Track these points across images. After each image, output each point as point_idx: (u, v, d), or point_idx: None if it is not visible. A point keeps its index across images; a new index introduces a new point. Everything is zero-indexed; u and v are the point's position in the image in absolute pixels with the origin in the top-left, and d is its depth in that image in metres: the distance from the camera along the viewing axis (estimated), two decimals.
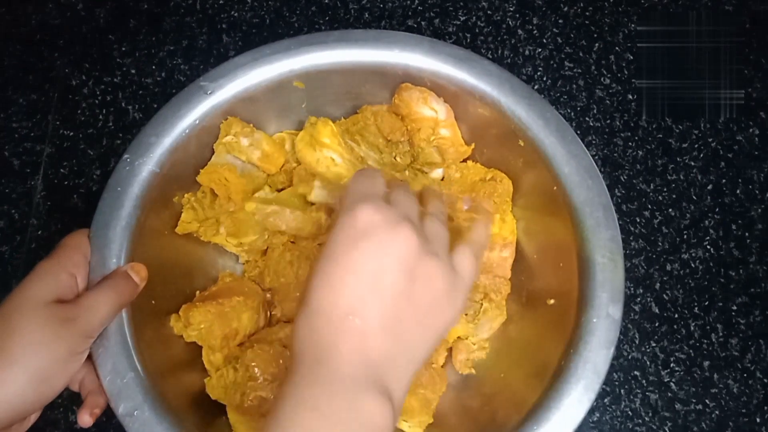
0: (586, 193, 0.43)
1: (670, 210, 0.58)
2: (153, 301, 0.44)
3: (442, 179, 0.52)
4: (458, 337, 0.49)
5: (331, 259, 0.32)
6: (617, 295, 0.40)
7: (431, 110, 0.48)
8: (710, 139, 0.60)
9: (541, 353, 0.44)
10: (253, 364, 0.44)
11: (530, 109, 0.45)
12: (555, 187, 0.44)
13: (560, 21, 0.65)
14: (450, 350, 0.50)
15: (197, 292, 0.48)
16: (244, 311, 0.46)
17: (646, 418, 0.52)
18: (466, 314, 0.49)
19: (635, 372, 0.53)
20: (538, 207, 0.48)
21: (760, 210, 0.58)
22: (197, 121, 0.45)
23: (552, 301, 0.45)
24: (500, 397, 0.45)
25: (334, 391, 0.29)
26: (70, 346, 0.36)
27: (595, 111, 0.61)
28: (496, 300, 0.49)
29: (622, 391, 0.52)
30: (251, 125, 0.49)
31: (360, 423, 0.29)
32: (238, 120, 0.48)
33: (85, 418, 0.38)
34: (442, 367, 0.49)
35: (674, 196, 0.58)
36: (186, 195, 0.47)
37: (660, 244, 0.56)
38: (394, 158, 0.52)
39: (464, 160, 0.51)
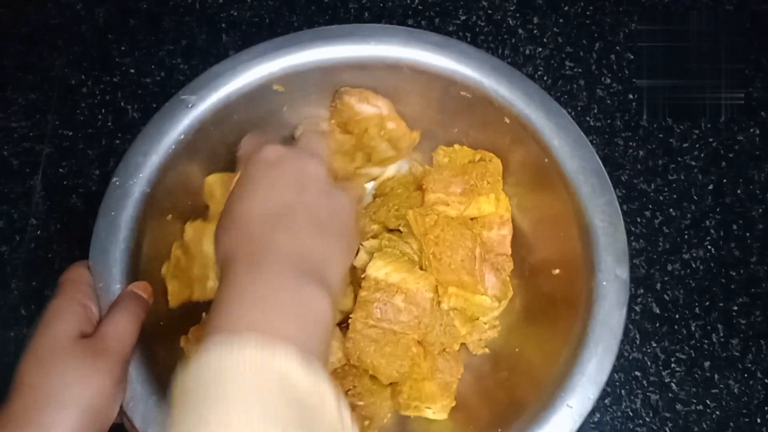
0: (578, 162, 0.43)
1: (671, 210, 0.58)
2: (161, 323, 0.43)
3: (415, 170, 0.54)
4: (469, 318, 0.50)
5: (250, 181, 0.35)
6: (622, 257, 0.41)
7: (374, 107, 0.49)
8: (711, 139, 0.60)
9: (553, 323, 0.45)
10: None
11: (512, 86, 0.46)
12: (546, 160, 0.44)
13: (561, 20, 0.65)
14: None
15: (203, 314, 0.48)
16: None
17: (647, 419, 0.51)
18: (496, 295, 0.49)
19: (636, 372, 0.53)
20: (530, 182, 0.49)
21: (760, 210, 0.57)
22: (182, 136, 0.45)
23: (557, 271, 0.46)
24: (518, 372, 0.46)
25: (276, 283, 0.31)
26: (113, 376, 0.36)
27: (595, 111, 0.61)
28: (501, 277, 0.49)
29: (622, 391, 0.52)
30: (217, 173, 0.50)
31: (305, 310, 0.31)
32: (209, 181, 0.49)
33: None
34: (457, 351, 0.49)
35: (675, 196, 0.58)
36: (164, 266, 0.46)
37: (661, 244, 0.56)
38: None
39: (451, 144, 0.52)
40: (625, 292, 0.40)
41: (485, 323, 0.49)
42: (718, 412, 0.52)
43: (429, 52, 0.47)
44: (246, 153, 0.39)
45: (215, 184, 0.49)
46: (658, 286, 0.55)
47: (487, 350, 0.49)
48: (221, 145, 0.49)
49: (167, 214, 0.46)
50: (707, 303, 0.55)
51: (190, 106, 0.45)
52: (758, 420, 0.51)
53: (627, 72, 0.62)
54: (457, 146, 0.51)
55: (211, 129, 0.46)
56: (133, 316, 0.39)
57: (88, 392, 0.35)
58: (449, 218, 0.49)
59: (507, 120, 0.46)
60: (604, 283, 0.40)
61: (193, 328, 0.46)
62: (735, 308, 0.54)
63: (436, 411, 0.46)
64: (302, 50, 0.47)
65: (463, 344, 0.50)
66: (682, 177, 0.59)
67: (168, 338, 0.45)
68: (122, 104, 0.61)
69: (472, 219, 0.50)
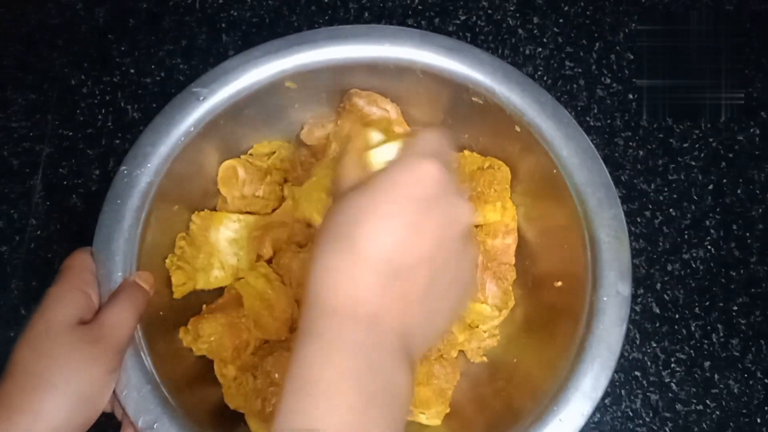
0: (586, 174, 0.43)
1: (671, 210, 0.57)
2: (161, 312, 0.43)
3: None
4: (468, 326, 0.50)
5: (393, 205, 0.28)
6: (625, 273, 0.41)
7: (382, 110, 0.49)
8: (711, 139, 0.60)
9: (552, 336, 0.45)
10: (273, 370, 0.44)
11: (524, 94, 0.45)
12: (555, 171, 0.44)
13: (561, 20, 0.64)
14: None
15: (204, 306, 0.48)
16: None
17: (647, 419, 0.51)
18: (496, 304, 0.49)
19: (636, 372, 0.53)
20: (538, 191, 0.49)
21: (760, 210, 0.57)
22: (192, 128, 0.45)
23: (559, 284, 0.46)
24: (515, 383, 0.46)
25: (377, 362, 0.27)
26: (107, 364, 0.36)
27: (595, 111, 0.61)
28: (503, 286, 0.49)
29: (622, 391, 0.52)
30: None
31: (393, 399, 0.27)
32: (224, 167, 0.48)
33: None
34: (455, 358, 0.49)
35: (675, 196, 0.58)
36: (168, 258, 0.46)
37: (661, 244, 0.56)
38: None
39: (460, 150, 0.52)
40: (626, 308, 0.40)
41: (485, 332, 0.49)
42: (718, 412, 0.52)
43: (443, 56, 0.46)
44: (409, 154, 0.31)
45: (229, 169, 0.50)
46: (658, 286, 0.55)
47: (485, 359, 0.49)
48: (231, 138, 0.49)
49: (174, 205, 0.47)
50: (707, 303, 0.55)
51: (201, 99, 0.45)
52: (758, 420, 0.51)
53: (627, 72, 0.62)
54: (466, 152, 0.51)
55: (221, 122, 0.47)
56: (133, 306, 0.39)
57: (82, 379, 0.35)
58: None
59: (517, 128, 0.46)
60: (605, 298, 0.40)
61: (193, 319, 0.46)
62: (735, 308, 0.54)
63: (430, 417, 0.46)
64: (316, 48, 0.47)
65: (461, 351, 0.50)
66: (682, 177, 0.59)
67: (166, 328, 0.45)
68: (122, 104, 0.61)
69: (477, 226, 0.50)
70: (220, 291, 0.50)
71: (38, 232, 0.57)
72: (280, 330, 0.47)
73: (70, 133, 0.60)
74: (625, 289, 0.40)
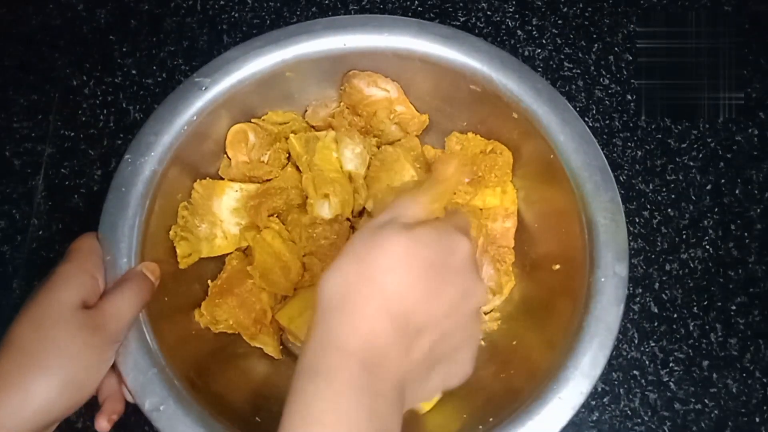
0: (583, 159, 0.44)
1: (669, 210, 0.58)
2: (166, 298, 0.44)
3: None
4: None
5: (424, 264, 0.30)
6: (622, 254, 0.41)
7: (383, 90, 0.50)
8: (709, 140, 0.60)
9: (551, 317, 0.45)
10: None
11: (521, 81, 0.46)
12: (551, 155, 0.45)
13: (559, 22, 0.65)
14: None
15: (208, 281, 0.48)
16: (261, 291, 0.47)
17: (645, 418, 0.52)
18: (491, 287, 0.50)
19: (634, 371, 0.53)
20: (537, 176, 0.49)
21: (759, 210, 0.58)
22: (195, 117, 0.46)
23: (557, 266, 0.46)
24: (515, 364, 0.46)
25: (377, 410, 0.28)
26: (101, 353, 0.37)
27: (594, 111, 0.61)
28: (503, 268, 0.50)
29: (621, 390, 0.52)
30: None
31: None
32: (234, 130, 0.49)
33: (103, 424, 0.38)
34: None
35: (673, 196, 0.58)
36: (171, 229, 0.47)
37: (659, 244, 0.57)
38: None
39: (464, 132, 0.52)
40: (623, 288, 0.41)
41: (486, 314, 0.50)
42: (716, 411, 0.52)
43: (440, 44, 0.47)
44: (450, 220, 0.34)
45: (239, 133, 0.50)
46: (657, 285, 0.55)
47: (482, 342, 0.49)
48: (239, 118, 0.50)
49: (177, 193, 0.47)
50: (705, 302, 0.55)
51: (203, 88, 0.46)
52: (756, 419, 0.51)
53: (625, 73, 0.63)
54: (470, 134, 0.52)
55: (222, 112, 0.47)
56: (137, 297, 0.39)
57: (76, 366, 0.35)
58: (459, 204, 0.49)
59: (515, 115, 0.47)
60: (603, 279, 0.41)
61: (205, 304, 0.47)
62: (733, 308, 0.55)
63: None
64: (315, 39, 0.48)
65: None
66: (681, 177, 0.59)
67: (173, 313, 0.45)
68: (124, 105, 0.62)
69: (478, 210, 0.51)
70: (221, 264, 0.50)
71: (40, 232, 0.57)
72: (287, 289, 0.48)
73: (72, 134, 0.61)
74: (622, 269, 0.41)
